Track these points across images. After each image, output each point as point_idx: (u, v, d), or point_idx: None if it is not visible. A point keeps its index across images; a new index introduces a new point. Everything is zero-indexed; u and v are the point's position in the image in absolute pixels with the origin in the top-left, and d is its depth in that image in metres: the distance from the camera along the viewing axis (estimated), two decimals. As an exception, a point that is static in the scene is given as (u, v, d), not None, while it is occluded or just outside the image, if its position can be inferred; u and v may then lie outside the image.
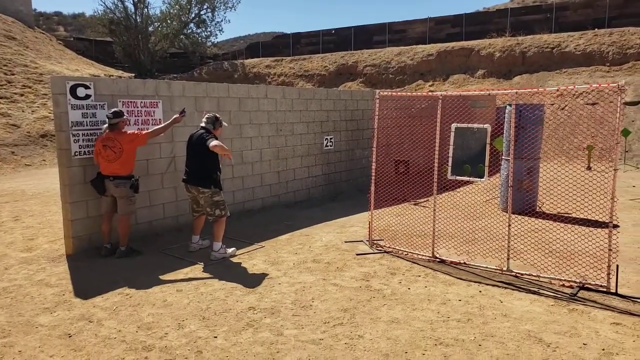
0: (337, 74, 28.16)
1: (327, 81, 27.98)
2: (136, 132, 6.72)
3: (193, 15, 35.53)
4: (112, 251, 6.75)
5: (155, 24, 35.49)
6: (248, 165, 9.41)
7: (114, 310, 5.00)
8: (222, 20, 50.03)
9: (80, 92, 6.73)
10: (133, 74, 31.97)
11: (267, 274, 6.03)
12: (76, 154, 6.71)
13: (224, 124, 6.89)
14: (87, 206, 6.89)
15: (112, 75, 29.21)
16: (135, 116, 7.42)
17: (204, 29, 36.37)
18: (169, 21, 35.17)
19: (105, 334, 4.47)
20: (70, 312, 4.97)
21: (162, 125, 7.05)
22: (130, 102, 7.36)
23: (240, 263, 6.52)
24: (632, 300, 5.06)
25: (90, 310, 4.99)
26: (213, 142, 6.27)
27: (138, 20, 33.77)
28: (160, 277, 5.96)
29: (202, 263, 6.45)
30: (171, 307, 5.07)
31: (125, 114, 6.83)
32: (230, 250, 6.83)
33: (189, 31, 36.05)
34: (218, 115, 6.78)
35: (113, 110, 6.58)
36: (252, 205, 9.56)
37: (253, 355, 4.06)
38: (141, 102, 7.50)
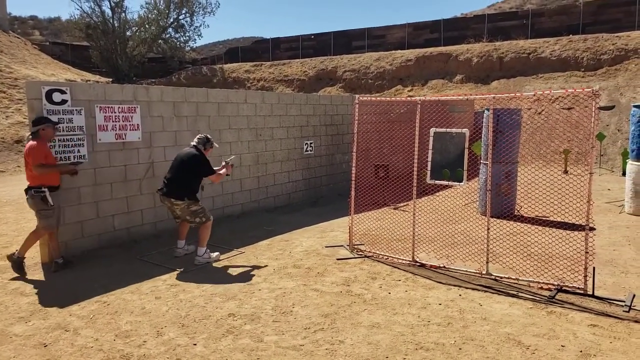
0: (316, 79, 28.21)
1: (307, 86, 28.01)
2: (41, 154, 6.06)
3: (171, 20, 35.36)
4: (64, 265, 6.44)
5: (133, 28, 35.21)
6: (228, 171, 9.34)
7: (91, 318, 4.91)
8: (200, 25, 50.32)
9: (56, 97, 6.63)
10: (110, 79, 31.61)
11: (247, 280, 5.98)
12: (52, 160, 6.57)
13: (215, 144, 6.93)
14: (64, 213, 6.78)
15: (89, 80, 28.82)
16: (113, 121, 7.33)
17: (182, 34, 36.23)
18: (147, 26, 34.92)
19: (81, 343, 4.39)
20: (45, 321, 4.87)
21: (59, 165, 6.55)
22: (108, 107, 7.26)
23: (220, 269, 6.47)
24: (609, 302, 5.14)
25: (66, 319, 4.90)
26: (213, 177, 6.68)
27: (116, 24, 33.45)
28: (139, 284, 5.87)
29: (181, 269, 6.38)
30: (150, 314, 5.00)
31: (58, 120, 6.55)
32: (214, 254, 6.79)
33: (167, 36, 35.84)
34: (209, 137, 6.85)
35: (34, 118, 6.26)
36: (232, 211, 9.49)
37: (233, 362, 4.02)
38: (119, 107, 7.41)
